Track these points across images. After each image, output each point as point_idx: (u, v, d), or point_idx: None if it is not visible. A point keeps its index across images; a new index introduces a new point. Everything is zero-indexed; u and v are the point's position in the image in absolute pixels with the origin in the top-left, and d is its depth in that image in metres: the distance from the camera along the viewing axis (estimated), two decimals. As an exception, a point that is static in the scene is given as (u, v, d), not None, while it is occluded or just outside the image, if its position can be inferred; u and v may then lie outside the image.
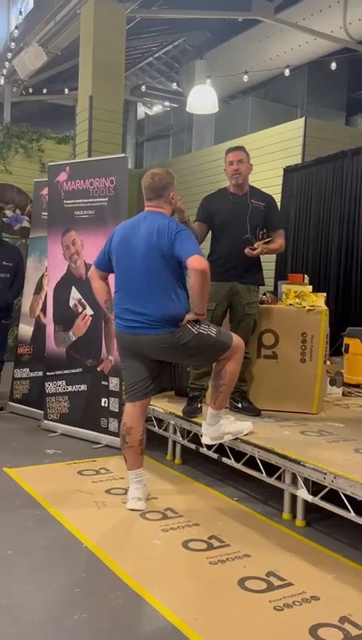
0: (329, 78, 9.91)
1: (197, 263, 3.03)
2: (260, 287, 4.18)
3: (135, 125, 14.14)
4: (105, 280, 3.49)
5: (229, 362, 3.35)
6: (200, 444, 3.79)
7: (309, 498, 3.08)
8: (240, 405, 4.08)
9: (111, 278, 3.43)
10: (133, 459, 3.35)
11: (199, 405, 4.02)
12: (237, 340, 3.39)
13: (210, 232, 4.13)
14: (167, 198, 3.30)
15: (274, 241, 4.03)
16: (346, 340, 5.32)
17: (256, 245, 3.91)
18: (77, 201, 4.81)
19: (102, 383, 4.56)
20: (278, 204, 7.56)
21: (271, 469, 3.35)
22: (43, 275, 5.50)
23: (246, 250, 3.90)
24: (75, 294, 4.82)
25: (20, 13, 9.44)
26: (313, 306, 4.22)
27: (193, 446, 3.96)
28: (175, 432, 4.16)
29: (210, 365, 3.47)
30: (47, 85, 11.30)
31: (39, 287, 5.60)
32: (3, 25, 10.96)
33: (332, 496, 2.95)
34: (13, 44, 9.40)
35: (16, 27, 9.52)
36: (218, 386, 3.41)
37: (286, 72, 9.33)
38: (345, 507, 2.88)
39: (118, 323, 3.30)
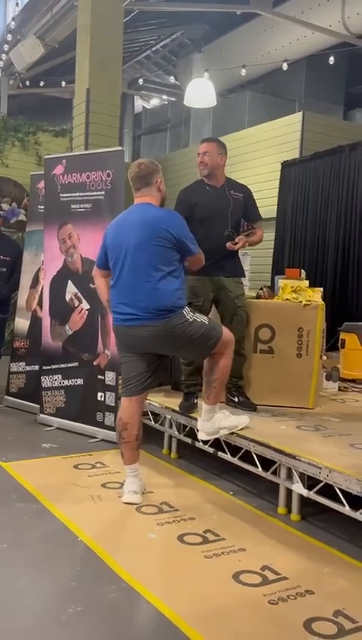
0: (328, 72, 9.90)
1: (196, 264, 3.45)
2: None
3: (132, 119, 14.10)
4: (108, 278, 3.48)
5: (221, 357, 3.36)
6: (197, 439, 3.79)
7: (304, 492, 3.09)
8: (236, 400, 4.08)
9: None
10: (130, 454, 3.36)
11: (195, 401, 4.02)
12: (227, 333, 3.39)
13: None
14: (154, 186, 3.32)
15: (255, 233, 4.04)
16: (342, 335, 5.32)
17: (237, 239, 3.89)
18: (73, 194, 4.78)
19: (99, 377, 4.56)
20: (276, 198, 7.59)
21: (266, 464, 3.36)
22: (39, 268, 5.49)
23: (228, 245, 3.87)
24: (71, 288, 4.81)
25: (17, 4, 9.41)
26: (309, 300, 4.22)
27: (189, 440, 3.96)
28: (171, 426, 4.16)
29: (203, 359, 3.46)
30: (44, 78, 11.27)
31: (35, 281, 5.59)
32: (0, 17, 10.91)
33: (328, 491, 2.96)
34: (10, 36, 9.37)
35: (13, 19, 9.49)
36: (211, 381, 3.42)
37: (285, 66, 9.30)
38: (340, 501, 2.89)
39: (116, 317, 3.31)
